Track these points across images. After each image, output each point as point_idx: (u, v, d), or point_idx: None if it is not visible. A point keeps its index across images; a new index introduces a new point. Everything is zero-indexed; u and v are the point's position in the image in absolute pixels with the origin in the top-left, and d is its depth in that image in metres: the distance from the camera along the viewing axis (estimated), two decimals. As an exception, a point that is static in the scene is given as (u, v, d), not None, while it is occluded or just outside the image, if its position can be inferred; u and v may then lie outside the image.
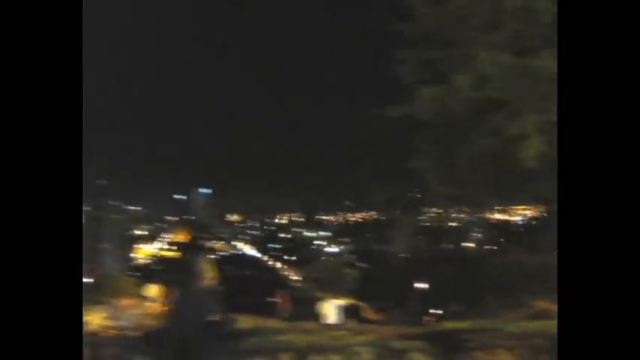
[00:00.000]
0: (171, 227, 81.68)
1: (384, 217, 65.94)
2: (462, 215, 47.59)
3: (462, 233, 48.57)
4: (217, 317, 4.72)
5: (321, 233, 77.56)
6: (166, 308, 5.61)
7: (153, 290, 6.91)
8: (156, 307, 6.20)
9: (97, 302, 8.38)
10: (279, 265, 62.34)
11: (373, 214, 78.30)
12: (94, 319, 6.22)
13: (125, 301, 6.95)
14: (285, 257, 65.85)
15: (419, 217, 52.09)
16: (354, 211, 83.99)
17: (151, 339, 5.45)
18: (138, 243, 76.11)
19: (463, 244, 46.86)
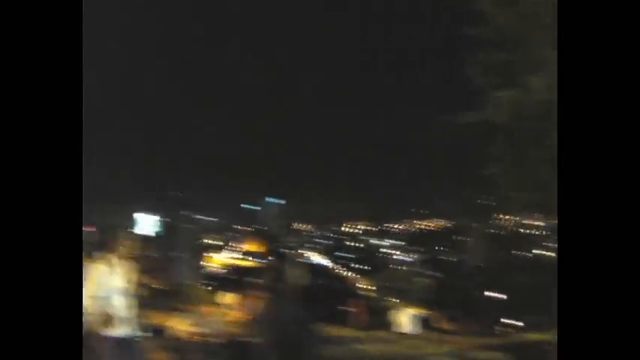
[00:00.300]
0: (241, 236, 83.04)
1: (455, 225, 64.91)
2: (536, 222, 46.18)
3: (537, 241, 47.10)
4: (301, 325, 4.76)
5: (391, 241, 77.01)
6: (247, 316, 5.72)
7: (229, 298, 7.05)
8: (236, 315, 6.33)
9: (175, 309, 8.60)
10: (348, 273, 62.25)
11: (444, 222, 77.22)
12: (177, 325, 6.41)
13: (206, 309, 7.13)
14: (355, 266, 65.70)
15: (492, 225, 50.91)
16: (424, 218, 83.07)
17: (234, 346, 5.58)
18: (209, 252, 77.88)
19: (538, 251, 45.45)
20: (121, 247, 5.20)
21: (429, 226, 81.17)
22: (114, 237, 5.30)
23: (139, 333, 5.23)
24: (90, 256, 5.21)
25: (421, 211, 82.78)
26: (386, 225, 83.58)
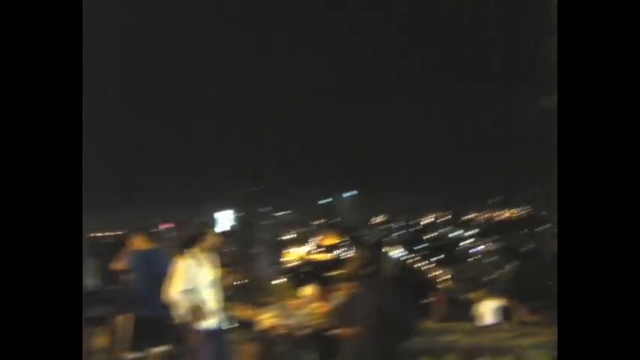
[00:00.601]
0: (318, 230, 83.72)
1: (534, 213, 63.00)
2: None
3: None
4: (398, 315, 4.76)
5: (468, 232, 75.68)
6: (331, 308, 5.78)
7: (310, 291, 7.14)
8: (320, 307, 6.42)
9: (258, 302, 8.78)
10: (426, 265, 61.63)
11: (522, 211, 75.12)
12: (262, 317, 6.55)
13: (289, 301, 7.26)
14: (432, 257, 64.92)
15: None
16: (501, 208, 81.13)
17: (320, 338, 5.66)
18: (287, 246, 79.01)
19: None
20: (205, 242, 5.37)
21: (507, 215, 79.22)
22: (199, 232, 5.47)
23: (227, 325, 5.39)
24: (177, 252, 5.43)
25: (498, 200, 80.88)
26: (463, 215, 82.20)
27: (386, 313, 4.73)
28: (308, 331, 6.01)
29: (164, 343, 5.84)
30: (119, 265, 6.50)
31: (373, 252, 5.75)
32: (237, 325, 6.09)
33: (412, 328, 5.06)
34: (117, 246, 6.92)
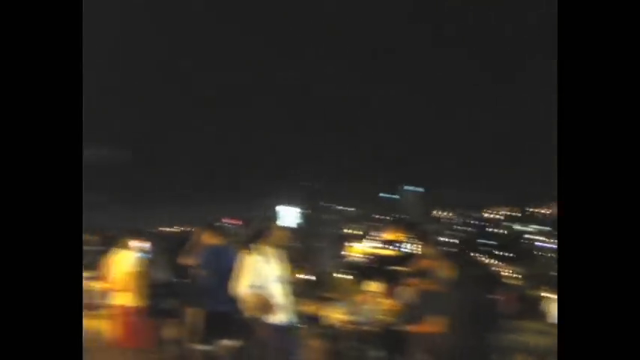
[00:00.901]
0: (381, 225, 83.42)
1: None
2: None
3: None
4: (481, 312, 4.67)
5: (535, 227, 73.70)
6: (400, 304, 5.71)
7: (375, 287, 7.08)
8: (388, 303, 6.36)
9: (325, 298, 8.78)
10: (491, 261, 60.45)
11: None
12: (329, 313, 6.56)
13: (356, 297, 7.22)
14: (498, 253, 63.62)
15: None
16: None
17: (389, 334, 5.62)
18: (350, 242, 79.09)
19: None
20: (271, 238, 5.41)
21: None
22: (265, 228, 5.52)
23: (295, 320, 5.42)
24: (244, 247, 5.49)
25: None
26: (529, 210, 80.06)
27: (473, 310, 4.63)
28: (375, 327, 5.96)
29: (232, 337, 5.92)
30: (188, 259, 6.64)
31: (444, 249, 5.64)
32: (304, 320, 6.11)
33: (497, 324, 4.96)
34: (185, 240, 7.08)
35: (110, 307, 7.27)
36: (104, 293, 7.73)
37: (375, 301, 6.59)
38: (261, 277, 5.15)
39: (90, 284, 11.34)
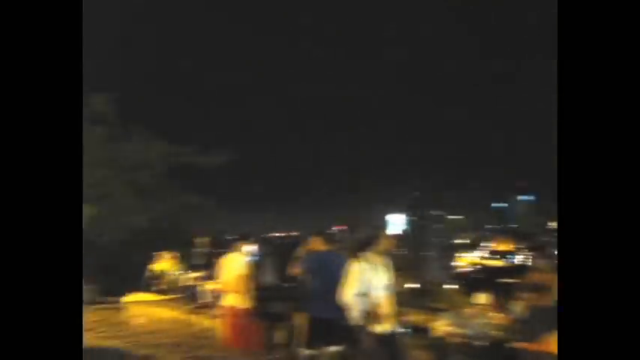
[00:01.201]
0: (492, 235, 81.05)
1: None
2: None
3: None
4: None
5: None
6: (510, 319, 5.48)
7: (484, 298, 6.82)
8: (498, 317, 6.12)
9: (431, 308, 8.61)
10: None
11: None
12: (435, 324, 6.41)
13: (465, 309, 7.01)
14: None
15: None
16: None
17: (499, 349, 5.40)
18: (459, 251, 77.34)
19: None
20: (378, 246, 5.36)
21: None
22: (374, 236, 5.48)
23: (401, 330, 5.33)
24: (352, 254, 5.47)
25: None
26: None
27: None
28: (485, 341, 5.75)
29: (338, 344, 5.93)
30: (297, 265, 6.73)
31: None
32: (410, 330, 6.01)
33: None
34: (294, 245, 7.20)
35: (221, 307, 7.51)
36: (215, 293, 7.99)
37: (485, 314, 6.35)
38: (368, 285, 5.12)
39: (202, 284, 11.84)
